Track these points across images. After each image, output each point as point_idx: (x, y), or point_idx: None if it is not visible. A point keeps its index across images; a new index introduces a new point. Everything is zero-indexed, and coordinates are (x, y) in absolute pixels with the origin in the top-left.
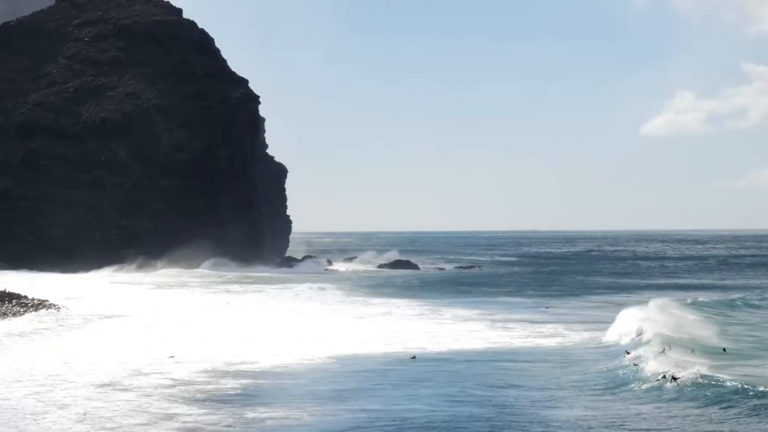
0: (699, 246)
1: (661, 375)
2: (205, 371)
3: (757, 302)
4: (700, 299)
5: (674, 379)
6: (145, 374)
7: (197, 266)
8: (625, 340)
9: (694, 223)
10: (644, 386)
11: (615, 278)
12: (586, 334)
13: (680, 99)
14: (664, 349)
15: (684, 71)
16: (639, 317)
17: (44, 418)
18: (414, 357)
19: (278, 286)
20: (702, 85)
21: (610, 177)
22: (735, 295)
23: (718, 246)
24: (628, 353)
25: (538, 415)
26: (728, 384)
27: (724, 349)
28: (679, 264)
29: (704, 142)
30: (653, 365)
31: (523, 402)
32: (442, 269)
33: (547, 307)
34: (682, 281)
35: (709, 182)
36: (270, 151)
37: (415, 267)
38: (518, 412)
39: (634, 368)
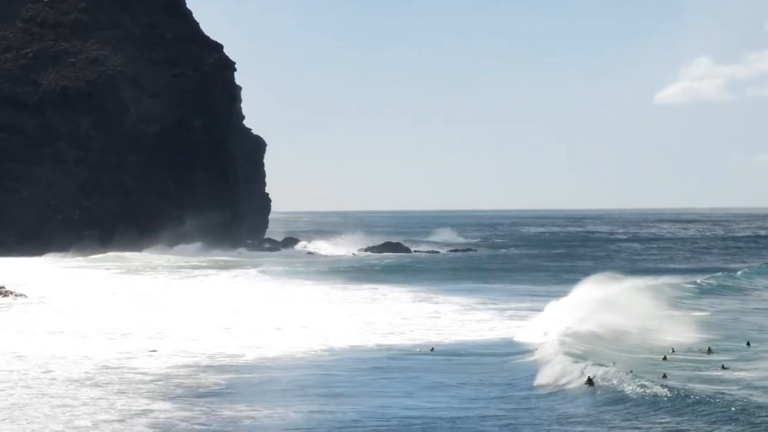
0: (719, 227)
1: (570, 376)
2: (186, 365)
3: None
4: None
5: (590, 381)
6: (120, 368)
7: (168, 249)
8: (536, 338)
9: (712, 200)
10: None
11: (616, 262)
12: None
13: (697, 64)
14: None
15: (701, 34)
16: (560, 310)
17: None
18: (433, 349)
19: (258, 270)
20: (721, 48)
21: (621, 150)
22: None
23: (734, 225)
24: (536, 350)
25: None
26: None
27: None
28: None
29: (723, 111)
30: (554, 365)
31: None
32: (436, 252)
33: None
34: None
35: (729, 155)
36: (247, 122)
37: (406, 250)
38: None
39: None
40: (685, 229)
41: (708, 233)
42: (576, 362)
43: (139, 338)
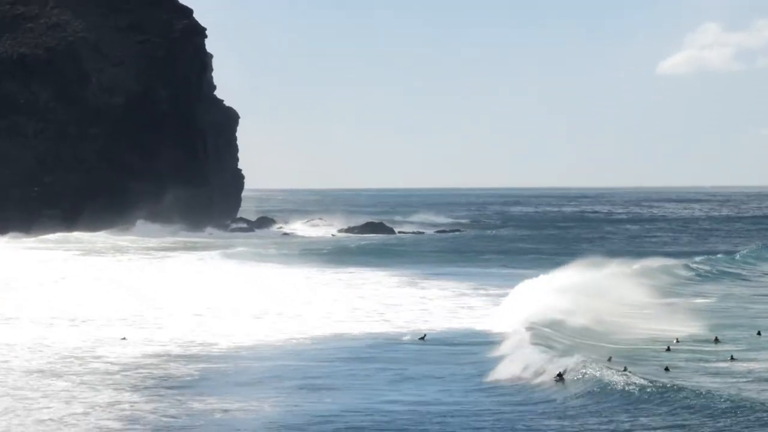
0: (726, 207)
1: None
2: (155, 354)
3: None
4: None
5: (560, 376)
6: (89, 358)
7: (133, 229)
8: (502, 327)
9: (720, 178)
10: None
11: (613, 245)
12: None
13: (703, 31)
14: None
15: None
16: (536, 296)
17: None
18: (424, 337)
19: (230, 252)
20: (730, 15)
21: (621, 125)
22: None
23: (743, 205)
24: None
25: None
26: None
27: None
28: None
29: (732, 81)
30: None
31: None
32: (421, 233)
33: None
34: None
35: (738, 130)
36: (219, 93)
37: (390, 231)
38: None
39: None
40: (687, 209)
41: (714, 213)
42: (545, 354)
43: (103, 325)
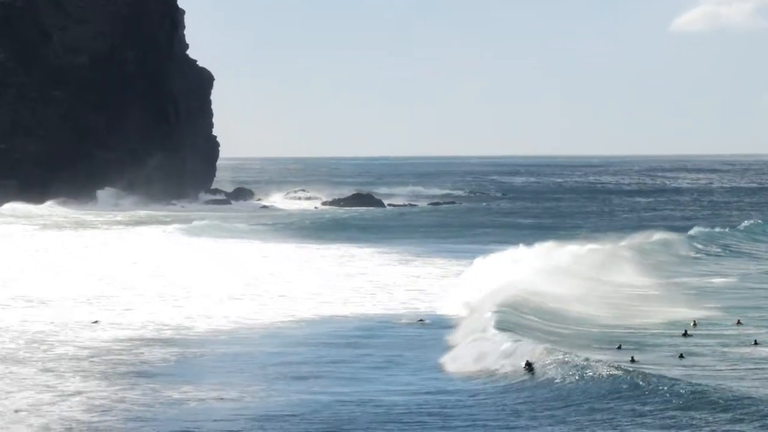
0: (746, 178)
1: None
2: (126, 339)
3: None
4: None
5: (529, 366)
6: (48, 342)
7: (98, 201)
8: (458, 310)
9: (741, 146)
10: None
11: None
12: None
13: None
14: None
15: None
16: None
17: None
18: (423, 320)
19: (204, 225)
20: None
21: (631, 88)
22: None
23: (764, 176)
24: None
25: None
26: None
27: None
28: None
29: (753, 40)
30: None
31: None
32: (413, 205)
33: None
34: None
35: (759, 94)
36: (191, 53)
37: (379, 203)
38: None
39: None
40: (703, 180)
41: (732, 184)
42: (513, 340)
43: (67, 307)
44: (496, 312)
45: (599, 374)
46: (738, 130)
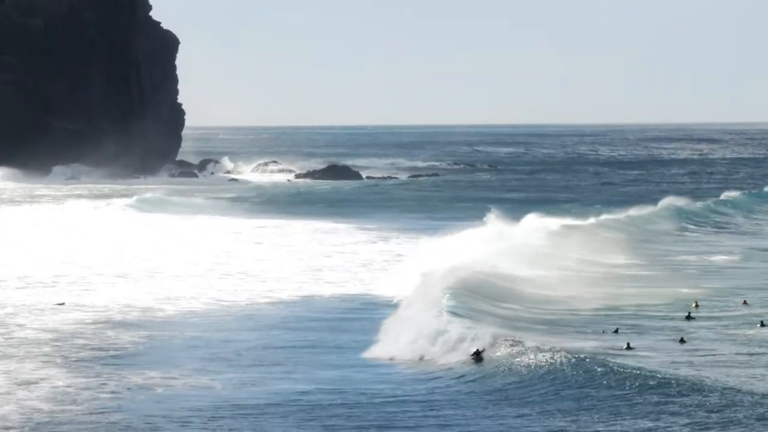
0: (757, 147)
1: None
2: (88, 322)
3: None
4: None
5: (477, 354)
6: (11, 326)
7: (53, 174)
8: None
9: (752, 114)
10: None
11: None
12: None
13: None
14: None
15: None
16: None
17: None
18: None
19: (169, 199)
20: None
21: (632, 48)
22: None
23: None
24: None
25: None
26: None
27: None
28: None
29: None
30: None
31: None
32: (393, 178)
33: None
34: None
35: None
36: (155, 14)
37: (356, 176)
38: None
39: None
40: (696, 151)
41: (733, 155)
42: (461, 325)
43: (21, 287)
44: (447, 294)
45: (551, 361)
46: (751, 96)
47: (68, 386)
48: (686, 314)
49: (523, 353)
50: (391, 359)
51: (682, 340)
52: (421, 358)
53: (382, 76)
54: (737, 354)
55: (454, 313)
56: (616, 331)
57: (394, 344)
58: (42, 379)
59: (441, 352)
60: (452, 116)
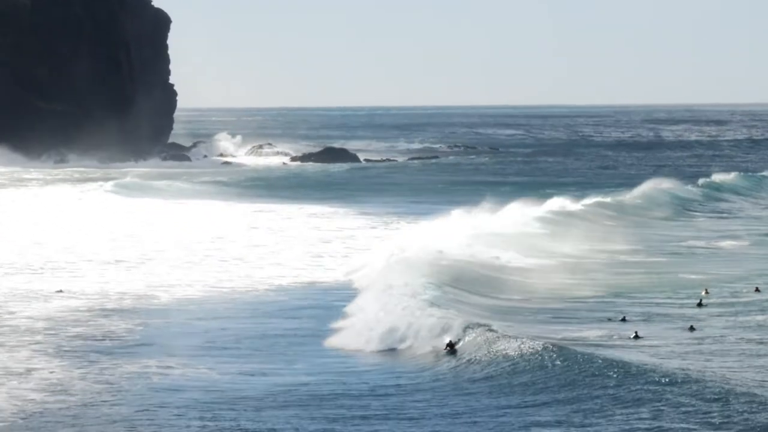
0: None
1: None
2: (82, 309)
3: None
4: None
5: (451, 347)
6: (2, 314)
7: (40, 158)
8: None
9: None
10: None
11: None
12: None
13: None
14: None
15: None
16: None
17: None
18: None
19: (161, 183)
20: None
21: (637, 24)
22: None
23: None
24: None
25: None
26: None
27: None
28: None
29: None
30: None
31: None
32: (393, 161)
33: None
34: None
35: None
36: None
37: (353, 158)
38: None
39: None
40: (699, 132)
41: (737, 136)
42: (440, 320)
43: (9, 273)
44: (424, 283)
45: (530, 350)
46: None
47: (61, 376)
48: (697, 301)
49: (497, 341)
50: (356, 350)
51: (691, 328)
52: (392, 349)
53: (379, 56)
54: (747, 342)
55: (432, 303)
56: (623, 320)
57: (357, 335)
58: (32, 370)
59: (412, 344)
60: (451, 97)
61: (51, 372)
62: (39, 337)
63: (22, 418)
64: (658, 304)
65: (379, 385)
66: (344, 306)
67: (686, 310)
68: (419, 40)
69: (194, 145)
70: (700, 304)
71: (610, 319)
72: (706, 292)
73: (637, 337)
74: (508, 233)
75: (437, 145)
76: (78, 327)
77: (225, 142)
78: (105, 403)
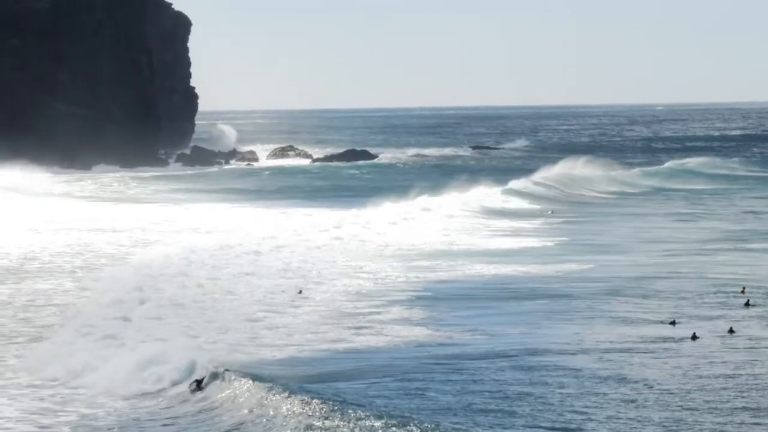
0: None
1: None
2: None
3: None
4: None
5: (197, 384)
6: None
7: (61, 163)
8: None
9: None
10: None
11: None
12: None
13: None
14: None
15: None
16: None
17: None
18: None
19: (182, 189)
20: None
21: (650, 21)
22: None
23: None
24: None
25: None
26: None
27: None
28: None
29: None
30: None
31: None
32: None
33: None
34: None
35: None
36: None
37: (372, 157)
38: None
39: None
40: (700, 127)
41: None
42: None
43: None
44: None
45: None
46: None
47: None
48: (745, 301)
49: (248, 385)
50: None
51: (731, 330)
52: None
53: (400, 58)
54: None
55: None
56: (672, 323)
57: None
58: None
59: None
60: (478, 97)
61: None
62: None
63: None
64: (696, 304)
65: None
66: None
67: (730, 311)
68: (443, 42)
69: (218, 150)
70: (747, 305)
71: (663, 322)
72: (743, 291)
73: (695, 338)
74: None
75: (460, 151)
76: None
77: (248, 145)
78: None
